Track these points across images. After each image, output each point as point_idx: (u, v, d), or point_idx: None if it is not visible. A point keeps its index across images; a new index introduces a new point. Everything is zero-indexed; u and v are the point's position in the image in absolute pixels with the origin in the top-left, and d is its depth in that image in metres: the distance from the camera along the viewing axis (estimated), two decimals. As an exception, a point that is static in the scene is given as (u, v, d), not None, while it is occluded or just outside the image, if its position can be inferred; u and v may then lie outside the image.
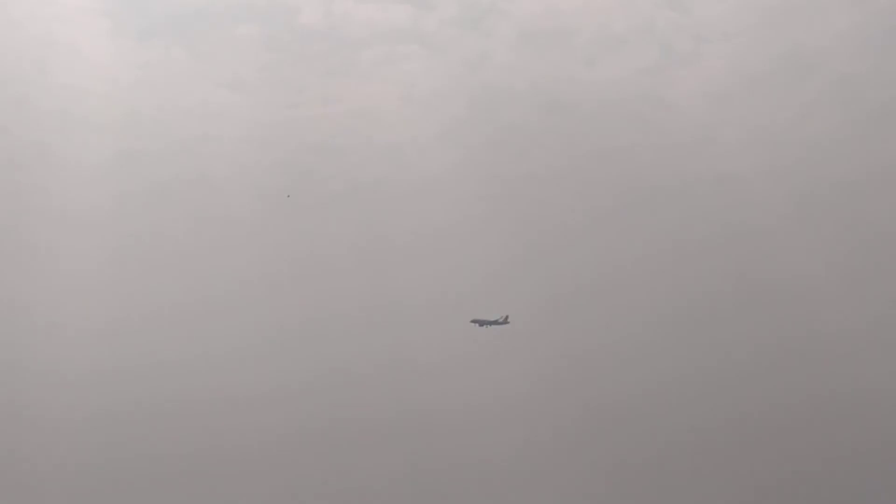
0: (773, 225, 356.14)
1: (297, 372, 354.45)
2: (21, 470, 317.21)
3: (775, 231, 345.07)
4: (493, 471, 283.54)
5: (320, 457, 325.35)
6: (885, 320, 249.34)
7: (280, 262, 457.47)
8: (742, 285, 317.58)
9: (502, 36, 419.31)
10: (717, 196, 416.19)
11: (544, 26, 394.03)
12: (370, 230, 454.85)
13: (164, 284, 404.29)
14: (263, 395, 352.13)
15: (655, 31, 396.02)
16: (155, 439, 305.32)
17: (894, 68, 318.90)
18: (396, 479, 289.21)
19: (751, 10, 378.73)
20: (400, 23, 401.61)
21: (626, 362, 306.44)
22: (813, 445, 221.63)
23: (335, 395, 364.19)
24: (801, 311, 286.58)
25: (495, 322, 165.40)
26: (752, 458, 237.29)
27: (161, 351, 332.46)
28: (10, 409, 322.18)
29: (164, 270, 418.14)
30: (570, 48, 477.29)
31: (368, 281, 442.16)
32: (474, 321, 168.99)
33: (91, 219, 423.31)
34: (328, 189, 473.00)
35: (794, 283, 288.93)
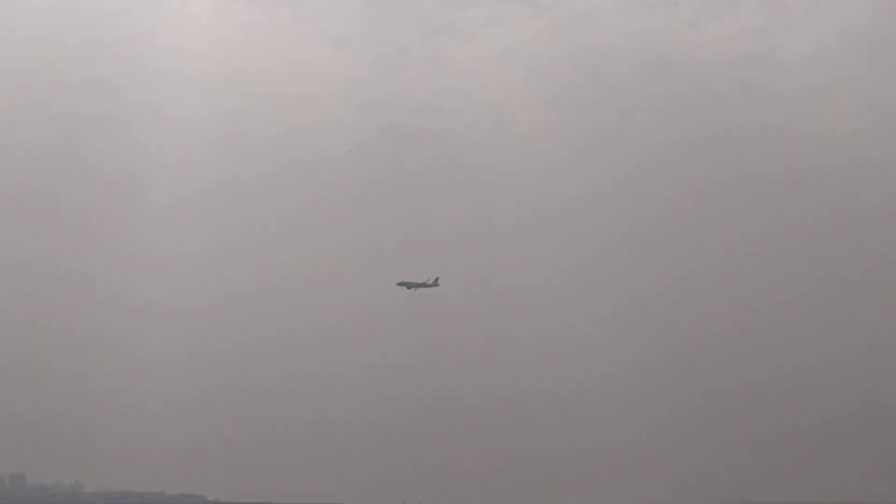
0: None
1: (404, 350, 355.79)
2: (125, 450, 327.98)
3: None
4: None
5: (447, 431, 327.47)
6: None
7: (385, 228, 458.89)
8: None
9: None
10: (834, 170, 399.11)
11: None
12: (476, 200, 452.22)
13: (269, 236, 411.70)
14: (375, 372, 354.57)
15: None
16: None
17: None
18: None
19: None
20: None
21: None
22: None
23: (451, 374, 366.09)
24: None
25: (423, 285, 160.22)
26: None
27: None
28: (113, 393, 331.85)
29: (268, 224, 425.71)
30: (676, 8, 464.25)
31: (477, 254, 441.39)
32: (401, 283, 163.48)
33: (197, 171, 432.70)
34: (430, 150, 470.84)
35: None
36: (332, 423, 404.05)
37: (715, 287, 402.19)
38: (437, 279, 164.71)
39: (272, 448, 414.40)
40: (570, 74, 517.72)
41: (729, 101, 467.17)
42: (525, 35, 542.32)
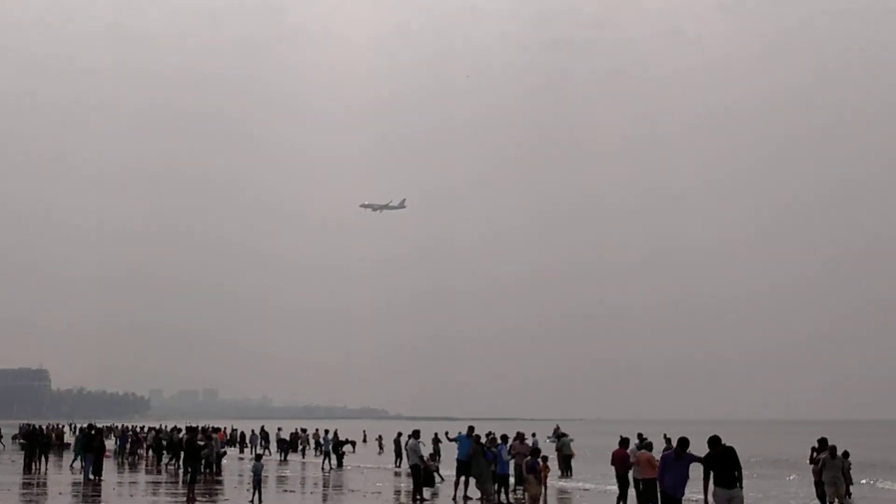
0: None
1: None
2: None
3: None
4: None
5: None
6: None
7: (546, 142, 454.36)
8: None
9: None
10: None
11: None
12: (645, 111, 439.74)
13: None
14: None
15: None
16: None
17: None
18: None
19: None
20: None
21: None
22: None
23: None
24: None
25: (387, 206, 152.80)
26: None
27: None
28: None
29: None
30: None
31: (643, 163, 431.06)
32: (365, 205, 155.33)
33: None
34: (599, 63, 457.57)
35: None
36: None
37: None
38: (403, 201, 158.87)
39: (449, 365, 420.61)
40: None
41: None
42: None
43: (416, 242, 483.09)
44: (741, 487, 16.72)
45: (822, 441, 23.99)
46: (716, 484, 16.39)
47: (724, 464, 16.47)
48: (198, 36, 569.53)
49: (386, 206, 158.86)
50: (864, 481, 31.52)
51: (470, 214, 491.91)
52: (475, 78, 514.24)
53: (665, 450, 33.80)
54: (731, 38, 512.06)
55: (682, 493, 17.21)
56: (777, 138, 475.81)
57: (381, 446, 63.93)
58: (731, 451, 16.63)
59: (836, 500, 23.10)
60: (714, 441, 16.65)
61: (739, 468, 16.60)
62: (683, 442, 17.28)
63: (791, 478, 38.13)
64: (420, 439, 28.99)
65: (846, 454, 28.79)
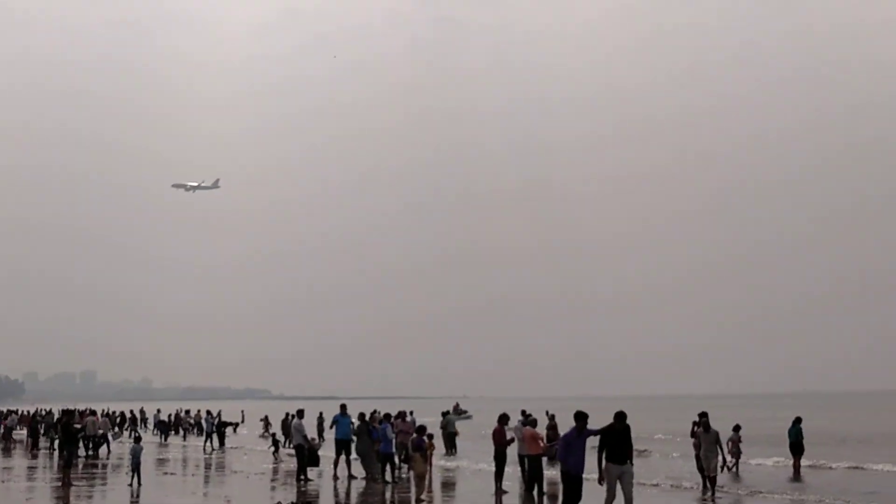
0: None
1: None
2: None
3: None
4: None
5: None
6: None
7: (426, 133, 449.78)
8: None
9: None
10: None
11: None
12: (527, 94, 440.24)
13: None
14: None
15: None
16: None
17: None
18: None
19: None
20: None
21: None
22: None
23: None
24: None
25: (200, 186, 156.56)
26: None
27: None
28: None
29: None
30: None
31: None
32: (177, 185, 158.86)
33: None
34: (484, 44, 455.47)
35: None
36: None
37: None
38: (217, 181, 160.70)
39: (332, 347, 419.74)
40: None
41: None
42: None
43: (302, 235, 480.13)
44: (632, 464, 17.05)
45: (702, 415, 24.52)
46: (608, 460, 16.58)
47: (620, 440, 16.68)
48: (68, 19, 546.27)
49: (199, 187, 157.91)
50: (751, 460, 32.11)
51: (358, 206, 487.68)
52: (362, 62, 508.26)
53: (548, 426, 34.41)
54: (617, 26, 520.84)
55: (582, 471, 17.01)
56: (658, 115, 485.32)
57: (267, 428, 63.05)
58: (628, 429, 16.89)
59: (709, 472, 23.56)
60: (621, 416, 16.84)
61: (631, 446, 16.94)
62: (583, 416, 16.74)
63: (675, 455, 38.49)
64: (304, 419, 28.90)
65: (737, 427, 29.58)
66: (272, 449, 41.82)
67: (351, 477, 27.12)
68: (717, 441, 23.63)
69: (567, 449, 16.85)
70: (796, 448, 29.14)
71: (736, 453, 29.35)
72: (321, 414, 47.25)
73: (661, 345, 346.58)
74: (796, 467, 29.29)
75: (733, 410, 76.50)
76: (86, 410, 51.70)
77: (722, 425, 25.59)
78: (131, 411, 66.98)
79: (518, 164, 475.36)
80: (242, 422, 69.40)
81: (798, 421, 29.25)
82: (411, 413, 39.80)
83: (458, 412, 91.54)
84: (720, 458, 24.32)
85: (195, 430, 59.30)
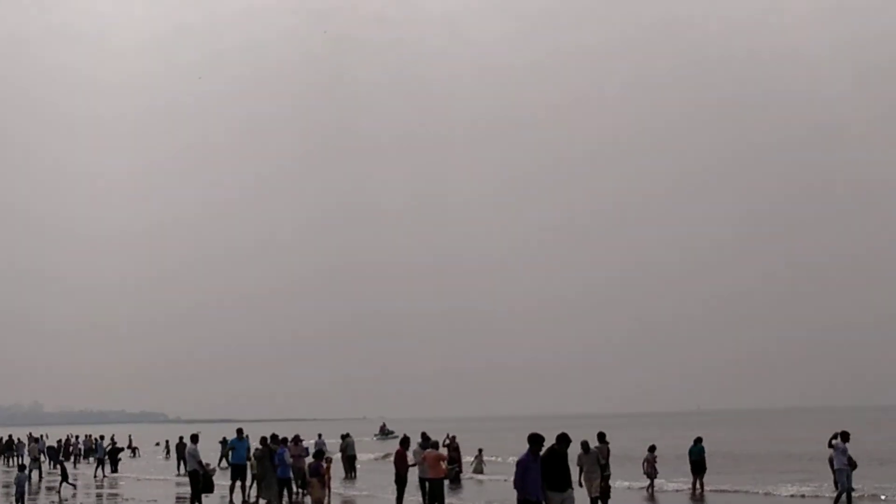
0: None
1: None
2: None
3: None
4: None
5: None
6: None
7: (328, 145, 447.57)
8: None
9: None
10: None
11: None
12: (428, 113, 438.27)
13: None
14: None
15: None
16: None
17: None
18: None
19: None
20: None
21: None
22: None
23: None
24: None
25: None
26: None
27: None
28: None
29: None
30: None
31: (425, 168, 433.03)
32: None
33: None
34: (381, 62, 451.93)
35: None
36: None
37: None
38: None
39: (231, 367, 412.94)
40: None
41: None
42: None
43: (196, 252, 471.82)
44: (573, 489, 16.34)
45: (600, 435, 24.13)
46: (548, 487, 15.72)
47: (560, 465, 15.98)
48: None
49: None
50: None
51: (246, 222, 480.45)
52: (262, 77, 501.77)
53: (451, 448, 34.05)
54: (514, 43, 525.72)
55: (542, 496, 15.73)
56: (560, 144, 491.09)
57: (168, 451, 60.89)
58: (565, 454, 16.20)
59: (591, 494, 22.41)
60: (563, 439, 16.14)
61: (568, 469, 16.22)
62: (538, 439, 15.60)
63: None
64: (198, 444, 28.00)
65: (652, 448, 29.16)
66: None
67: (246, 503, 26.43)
68: (598, 461, 22.71)
69: (525, 474, 15.57)
70: (698, 467, 29.14)
71: (651, 473, 29.30)
72: (224, 439, 46.17)
73: (552, 361, 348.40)
74: (696, 486, 29.28)
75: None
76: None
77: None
78: (17, 438, 64.46)
79: (412, 185, 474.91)
80: (129, 447, 66.92)
81: (699, 440, 29.34)
82: (319, 436, 39.11)
83: (386, 433, 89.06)
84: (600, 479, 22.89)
85: (85, 456, 57.34)
